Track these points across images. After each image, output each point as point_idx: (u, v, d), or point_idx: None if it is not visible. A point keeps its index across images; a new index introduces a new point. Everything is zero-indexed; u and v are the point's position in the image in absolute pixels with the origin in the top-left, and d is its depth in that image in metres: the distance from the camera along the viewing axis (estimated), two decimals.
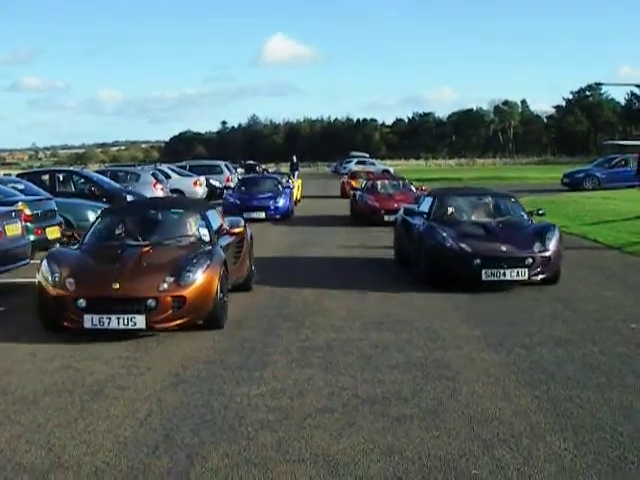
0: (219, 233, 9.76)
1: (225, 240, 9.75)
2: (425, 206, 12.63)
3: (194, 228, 9.52)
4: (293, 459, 4.95)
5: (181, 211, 9.94)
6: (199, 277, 8.20)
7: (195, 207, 10.34)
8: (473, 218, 11.90)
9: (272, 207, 23.04)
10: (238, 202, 23.15)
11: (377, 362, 7.19)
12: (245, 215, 20.98)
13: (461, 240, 10.85)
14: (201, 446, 5.18)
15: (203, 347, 7.84)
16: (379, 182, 23.80)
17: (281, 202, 23.35)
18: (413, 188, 23.06)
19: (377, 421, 5.62)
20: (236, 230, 10.13)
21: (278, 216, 22.93)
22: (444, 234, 11.01)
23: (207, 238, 9.33)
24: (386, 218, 19.89)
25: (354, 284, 11.45)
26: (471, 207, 12.19)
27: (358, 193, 22.87)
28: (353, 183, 33.23)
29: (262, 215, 22.63)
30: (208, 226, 9.53)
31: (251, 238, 11.31)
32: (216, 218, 10.24)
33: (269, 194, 23.75)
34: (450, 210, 12.07)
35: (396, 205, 18.96)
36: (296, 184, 31.51)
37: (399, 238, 13.60)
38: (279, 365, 7.14)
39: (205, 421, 5.67)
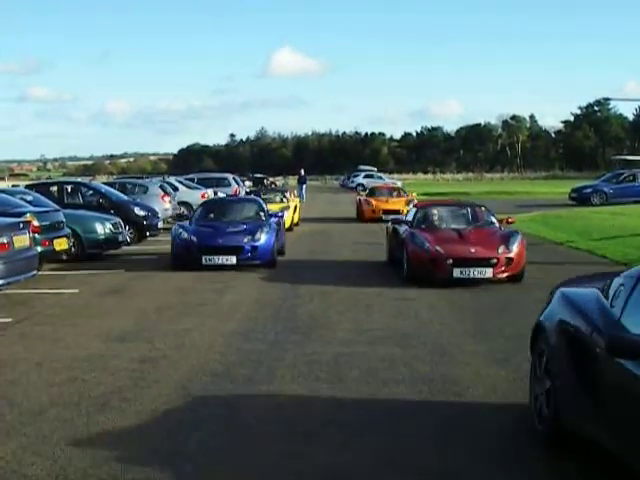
0: None
1: None
2: None
3: None
4: (299, 472, 4.93)
5: None
6: None
7: None
8: None
9: (248, 247, 14.74)
10: (195, 240, 14.85)
11: None
12: (206, 260, 14.52)
13: None
14: (207, 459, 5.17)
15: (210, 360, 7.83)
16: (434, 210, 14.73)
17: (262, 239, 14.94)
18: (494, 220, 14.25)
19: (383, 435, 5.60)
20: None
21: (258, 261, 14.87)
22: None
23: None
24: (456, 274, 12.46)
25: None
26: None
27: (404, 229, 14.09)
28: (374, 202, 28.14)
29: (232, 260, 14.55)
30: None
31: None
32: None
33: (244, 227, 15.39)
34: None
35: (472, 250, 12.55)
36: (292, 204, 24.83)
37: (555, 373, 5.20)
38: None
39: (212, 433, 5.66)
